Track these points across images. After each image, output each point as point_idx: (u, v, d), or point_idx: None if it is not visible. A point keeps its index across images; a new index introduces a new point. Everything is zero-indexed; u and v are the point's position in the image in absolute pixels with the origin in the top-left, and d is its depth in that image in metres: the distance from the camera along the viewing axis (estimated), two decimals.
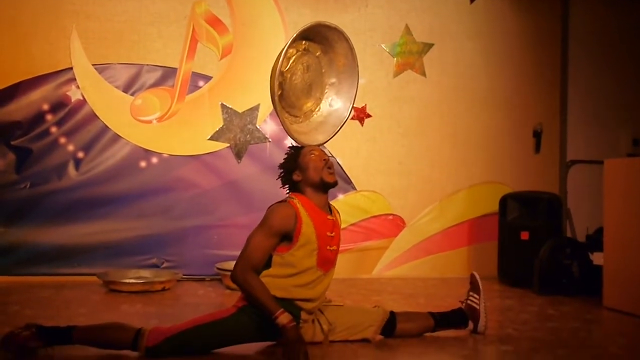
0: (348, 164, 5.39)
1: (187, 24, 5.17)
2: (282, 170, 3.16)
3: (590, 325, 3.80)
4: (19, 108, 4.93)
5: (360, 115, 5.40)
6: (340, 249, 3.19)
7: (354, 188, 5.40)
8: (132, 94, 5.10)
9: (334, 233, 3.09)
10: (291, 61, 3.19)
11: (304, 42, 3.24)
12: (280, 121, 3.16)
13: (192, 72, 5.17)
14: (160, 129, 5.14)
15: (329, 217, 3.09)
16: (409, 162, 5.51)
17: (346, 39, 3.26)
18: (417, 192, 5.51)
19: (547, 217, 5.00)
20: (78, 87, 5.01)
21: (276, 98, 3.09)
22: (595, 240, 4.65)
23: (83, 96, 5.02)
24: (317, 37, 3.24)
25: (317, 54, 3.29)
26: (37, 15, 4.97)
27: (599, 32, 5.93)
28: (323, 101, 3.37)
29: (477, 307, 3.32)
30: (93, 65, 5.04)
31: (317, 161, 3.07)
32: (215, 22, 5.21)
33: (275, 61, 3.03)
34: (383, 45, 5.48)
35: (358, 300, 4.33)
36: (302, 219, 2.94)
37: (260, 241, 2.92)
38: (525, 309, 4.15)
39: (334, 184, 3.09)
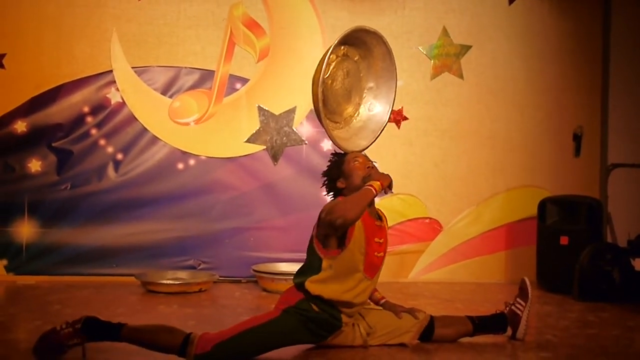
0: (384, 167, 5.33)
1: (225, 27, 5.21)
2: (325, 178, 3.15)
3: (632, 333, 3.72)
4: (61, 110, 5.03)
5: (397, 117, 5.37)
6: None
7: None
8: (170, 97, 5.15)
9: (382, 239, 3.07)
10: (331, 67, 3.17)
11: (342, 47, 3.23)
12: (324, 128, 3.15)
13: (230, 74, 5.20)
14: (198, 131, 5.18)
15: (377, 223, 3.07)
16: (446, 165, 5.45)
17: (384, 43, 3.24)
18: (454, 195, 5.45)
19: (588, 221, 4.91)
20: (118, 89, 5.08)
21: (320, 105, 3.06)
22: (637, 246, 4.57)
23: (122, 98, 5.09)
24: (356, 42, 3.23)
25: (356, 58, 3.28)
26: (79, 19, 5.06)
27: None
28: (362, 106, 3.36)
29: (520, 313, 3.26)
30: (132, 68, 5.11)
31: (361, 168, 3.06)
32: (252, 25, 5.23)
33: (317, 68, 3.02)
34: (420, 48, 5.44)
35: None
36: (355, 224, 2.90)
37: None
38: (564, 315, 4.09)
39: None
